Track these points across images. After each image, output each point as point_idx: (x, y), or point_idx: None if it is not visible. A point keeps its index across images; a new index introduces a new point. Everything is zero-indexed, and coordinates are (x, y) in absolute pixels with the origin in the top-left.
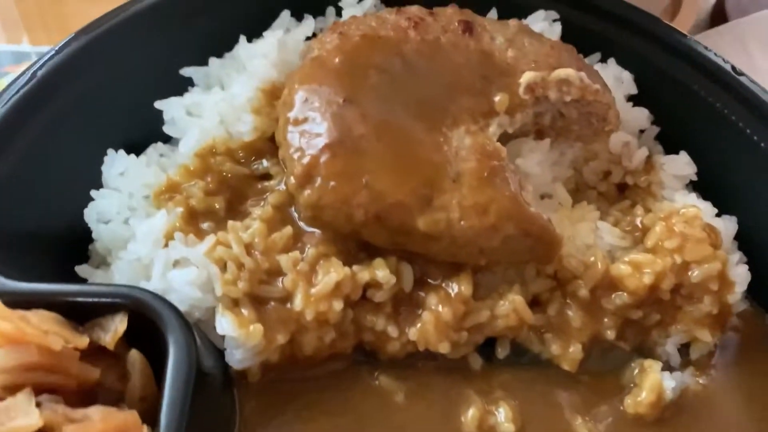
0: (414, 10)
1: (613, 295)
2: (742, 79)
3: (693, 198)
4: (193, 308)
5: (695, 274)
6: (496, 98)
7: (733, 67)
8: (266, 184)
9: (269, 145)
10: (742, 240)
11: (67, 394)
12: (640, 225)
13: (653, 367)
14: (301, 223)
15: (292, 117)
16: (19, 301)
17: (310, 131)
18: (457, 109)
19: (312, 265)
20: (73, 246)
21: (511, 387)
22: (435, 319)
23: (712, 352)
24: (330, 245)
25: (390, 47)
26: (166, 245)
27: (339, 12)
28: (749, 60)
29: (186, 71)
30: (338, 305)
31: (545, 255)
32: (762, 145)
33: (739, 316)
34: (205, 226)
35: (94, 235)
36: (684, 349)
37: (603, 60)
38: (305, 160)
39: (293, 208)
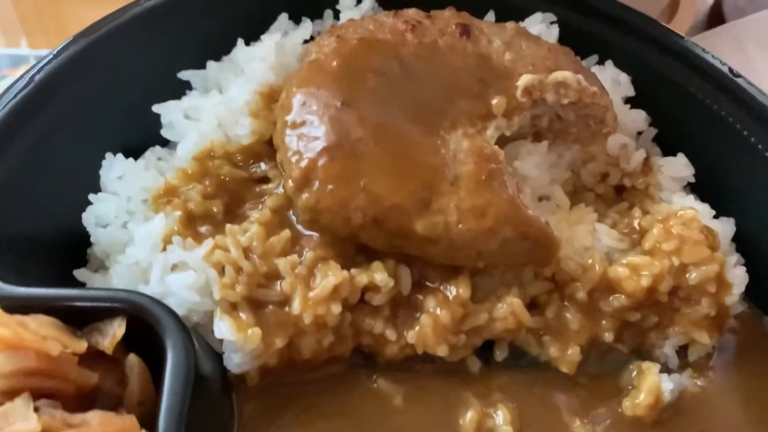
0: (411, 13)
1: (611, 298)
2: (739, 80)
3: (690, 200)
4: (191, 312)
5: (693, 276)
6: (494, 101)
7: (731, 69)
8: (264, 187)
9: (267, 148)
10: (739, 242)
11: (66, 399)
12: (637, 227)
13: (651, 369)
14: (299, 227)
15: (290, 120)
16: (17, 306)
17: (308, 134)
18: (455, 112)
19: (310, 269)
20: (71, 250)
21: (510, 389)
22: (433, 322)
23: (710, 354)
24: (328, 248)
25: (387, 50)
26: (165, 249)
27: (337, 15)
28: (747, 61)
29: (184, 74)
30: (336, 308)
31: (543, 257)
32: (759, 146)
33: (737, 317)
34: (203, 229)
35: (92, 239)
36: (682, 351)
37: (600, 62)
38: (303, 163)
39: (291, 212)
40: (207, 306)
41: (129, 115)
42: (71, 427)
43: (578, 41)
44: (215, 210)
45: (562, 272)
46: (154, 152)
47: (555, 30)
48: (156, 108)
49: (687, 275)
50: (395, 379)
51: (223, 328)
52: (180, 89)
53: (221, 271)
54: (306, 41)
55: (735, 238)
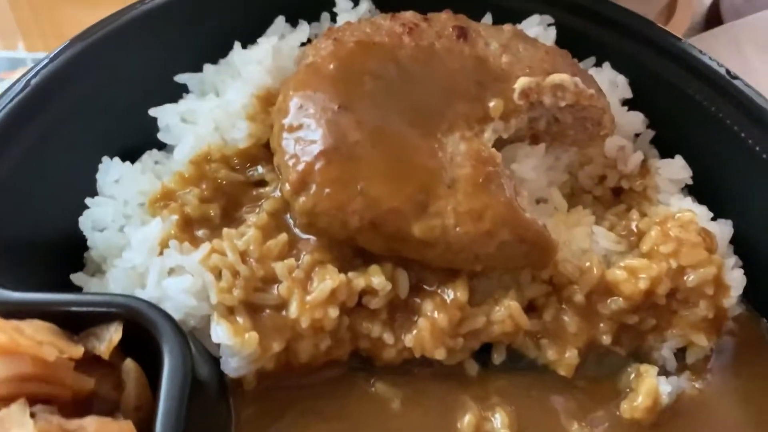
0: (408, 15)
1: (608, 300)
2: (736, 82)
3: (688, 202)
4: (188, 316)
5: (691, 278)
6: (491, 104)
7: (728, 71)
8: (261, 190)
9: (264, 151)
10: (737, 244)
11: (62, 405)
12: (635, 229)
13: (649, 371)
14: (297, 230)
15: (286, 124)
16: (13, 312)
17: (305, 138)
18: (452, 114)
19: (307, 272)
20: (68, 254)
21: (508, 393)
22: (431, 325)
23: (708, 357)
24: (325, 252)
25: (385, 53)
26: (161, 253)
27: (334, 18)
28: (744, 62)
29: (181, 78)
30: (334, 312)
31: (540, 260)
32: (757, 148)
33: (735, 320)
34: (200, 233)
35: (89, 243)
36: (680, 353)
37: (598, 64)
38: (300, 166)
39: (288, 215)
40: (204, 310)
41: (126, 119)
42: None
43: (575, 43)
44: (212, 214)
45: (559, 275)
46: (150, 156)
47: (552, 32)
48: (153, 111)
49: (685, 278)
50: (393, 382)
51: (220, 332)
52: (177, 92)
53: (218, 275)
54: (303, 44)
55: (733, 241)
